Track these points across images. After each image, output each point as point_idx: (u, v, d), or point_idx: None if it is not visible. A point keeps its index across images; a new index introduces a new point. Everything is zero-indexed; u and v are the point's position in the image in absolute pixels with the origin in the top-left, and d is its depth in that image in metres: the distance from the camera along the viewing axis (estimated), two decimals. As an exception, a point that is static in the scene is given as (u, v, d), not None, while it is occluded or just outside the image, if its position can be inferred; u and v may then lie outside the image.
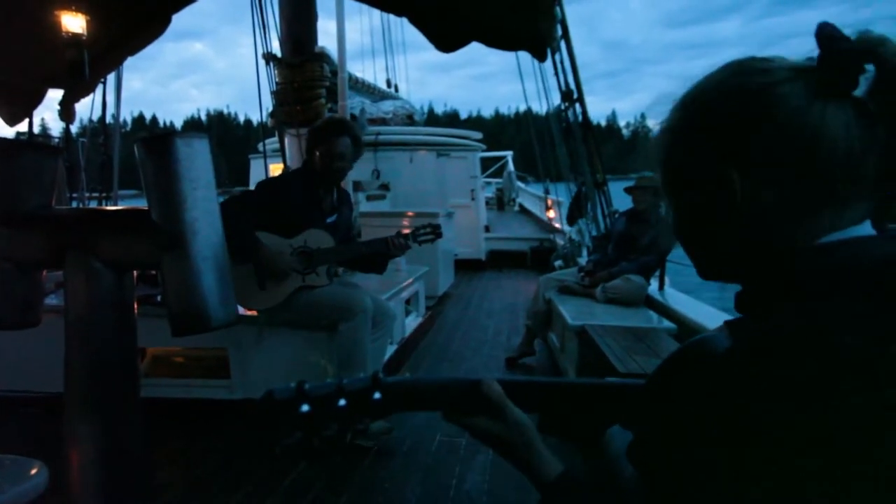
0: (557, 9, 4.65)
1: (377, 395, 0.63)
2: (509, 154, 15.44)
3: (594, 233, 5.01)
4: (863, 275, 0.45)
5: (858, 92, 0.48)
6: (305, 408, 0.61)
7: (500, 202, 13.88)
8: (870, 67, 0.47)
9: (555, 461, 0.65)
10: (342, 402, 0.62)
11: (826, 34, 0.48)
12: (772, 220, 0.50)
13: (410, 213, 5.50)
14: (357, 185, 5.39)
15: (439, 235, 2.72)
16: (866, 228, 0.50)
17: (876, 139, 0.47)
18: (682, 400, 0.49)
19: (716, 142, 0.52)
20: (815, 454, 0.38)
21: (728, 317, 0.54)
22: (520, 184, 14.40)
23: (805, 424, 0.39)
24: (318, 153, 2.58)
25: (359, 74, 8.32)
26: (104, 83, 4.70)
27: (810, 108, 0.48)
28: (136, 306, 0.71)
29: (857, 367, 0.39)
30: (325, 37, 4.90)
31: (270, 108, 4.70)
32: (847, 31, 0.49)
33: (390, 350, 3.30)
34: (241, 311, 2.62)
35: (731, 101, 0.51)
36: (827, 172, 0.48)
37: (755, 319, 0.51)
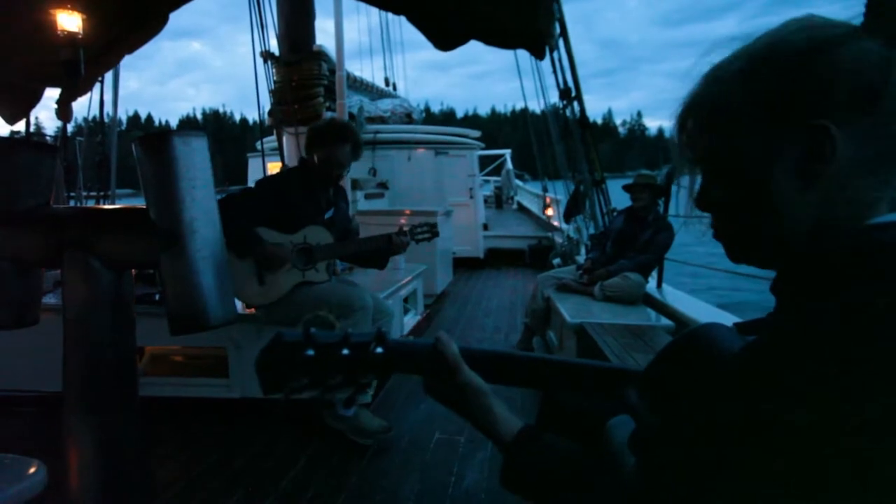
0: (556, 7, 4.64)
1: (379, 350, 0.64)
2: (507, 152, 15.42)
3: (592, 231, 5.01)
4: None
5: None
6: (311, 352, 0.62)
7: (499, 200, 13.87)
8: None
9: (513, 419, 0.65)
10: (346, 351, 0.63)
11: None
12: (851, 179, 0.48)
13: (408, 212, 5.50)
14: (355, 184, 5.39)
15: (436, 234, 2.76)
16: None
17: None
18: (690, 393, 0.47)
19: (804, 100, 0.48)
20: (843, 459, 0.37)
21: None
22: (518, 182, 14.38)
23: (833, 426, 0.38)
24: (317, 156, 2.59)
25: (357, 73, 8.31)
26: (101, 82, 4.69)
27: (892, 61, 0.46)
28: (134, 305, 0.71)
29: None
30: (324, 35, 4.89)
31: (268, 107, 4.69)
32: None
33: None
34: (240, 309, 2.62)
35: (808, 57, 0.48)
36: None
37: (793, 302, 0.50)
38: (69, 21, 3.26)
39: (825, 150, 0.47)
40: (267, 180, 2.79)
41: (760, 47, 0.51)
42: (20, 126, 3.97)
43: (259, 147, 6.33)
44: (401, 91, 11.05)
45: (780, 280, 0.52)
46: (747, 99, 0.50)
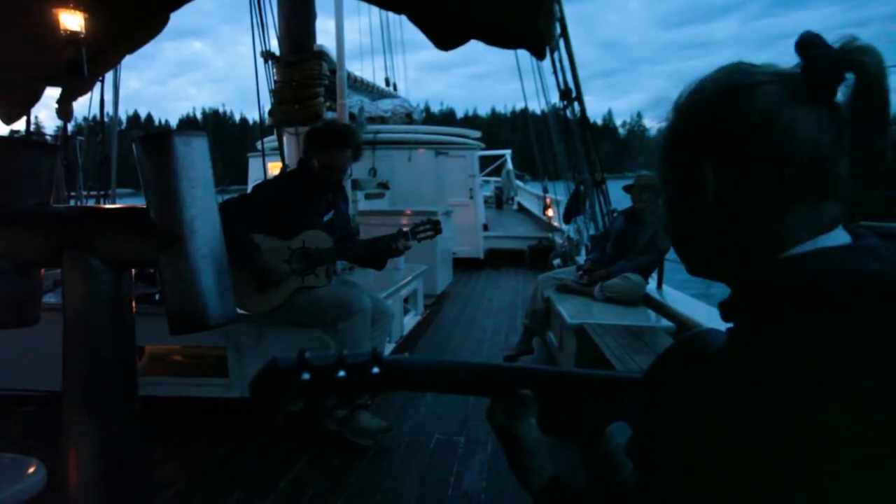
0: (556, 7, 4.65)
1: (376, 370, 0.64)
2: (508, 153, 15.43)
3: (592, 231, 5.01)
4: (829, 288, 0.45)
5: (841, 97, 0.49)
6: (306, 376, 0.62)
7: (499, 201, 13.88)
8: (851, 76, 0.48)
9: (546, 466, 0.66)
10: (342, 373, 0.63)
11: (806, 42, 0.50)
12: (744, 218, 0.52)
13: (409, 212, 5.50)
14: (356, 184, 5.39)
15: (439, 231, 2.70)
16: (838, 236, 0.50)
17: (847, 144, 0.49)
18: (679, 397, 0.48)
19: (696, 138, 0.54)
20: (824, 450, 0.39)
21: None
22: (518, 182, 14.39)
23: (810, 420, 0.39)
24: (317, 161, 2.56)
25: (358, 73, 8.32)
26: (102, 81, 4.69)
27: (783, 109, 0.49)
28: (134, 305, 0.71)
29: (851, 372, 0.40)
30: (325, 35, 4.89)
31: (269, 107, 4.69)
32: (835, 34, 0.50)
33: (389, 349, 3.30)
34: (240, 310, 2.61)
35: (712, 99, 0.53)
36: (796, 172, 0.49)
37: (743, 325, 0.52)
38: (71, 20, 3.26)
39: (702, 186, 0.52)
40: (265, 185, 2.77)
41: (688, 87, 0.56)
42: (20, 125, 3.97)
43: (259, 147, 6.33)
44: (401, 91, 11.05)
45: (720, 308, 0.56)
46: (668, 129, 0.58)
